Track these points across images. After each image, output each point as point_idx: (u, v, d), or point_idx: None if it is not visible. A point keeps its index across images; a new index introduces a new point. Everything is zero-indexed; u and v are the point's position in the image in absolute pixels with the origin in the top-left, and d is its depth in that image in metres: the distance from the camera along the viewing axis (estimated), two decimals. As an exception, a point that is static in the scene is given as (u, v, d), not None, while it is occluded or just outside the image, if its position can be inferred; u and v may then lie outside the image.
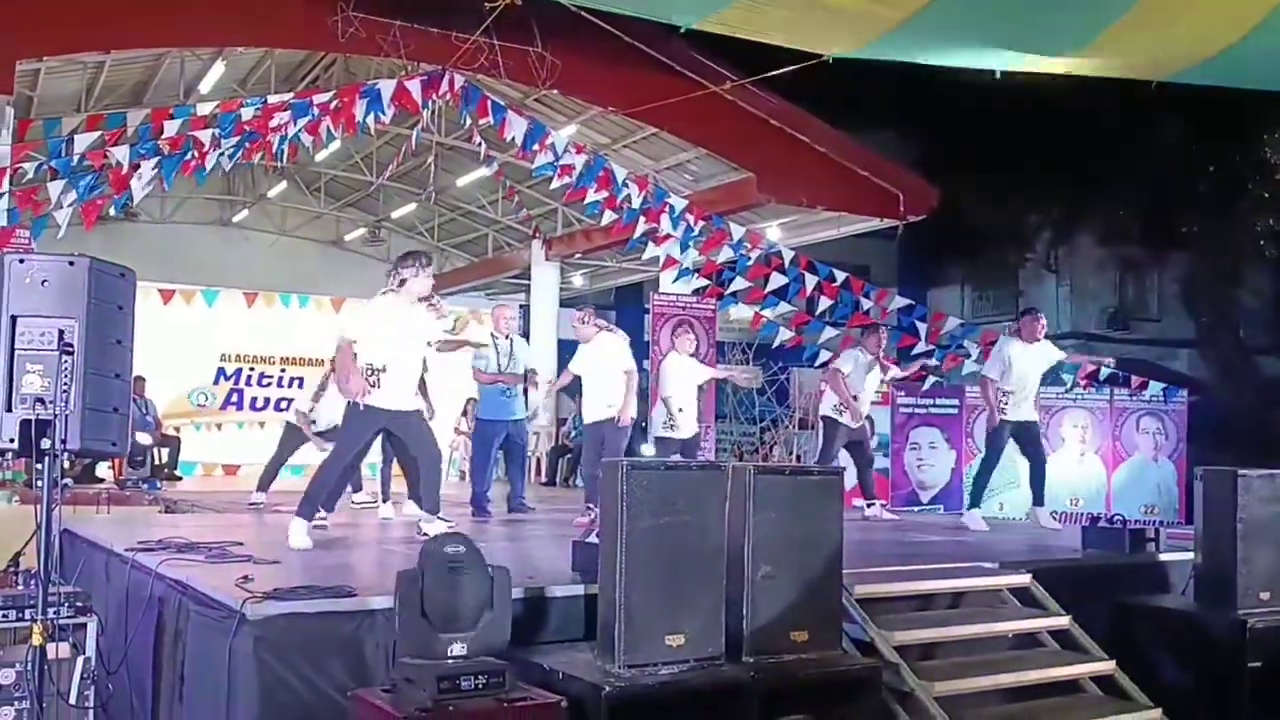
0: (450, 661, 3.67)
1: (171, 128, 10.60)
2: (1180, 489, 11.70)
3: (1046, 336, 8.86)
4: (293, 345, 16.91)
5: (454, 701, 3.57)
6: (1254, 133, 16.31)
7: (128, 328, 4.06)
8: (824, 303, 12.53)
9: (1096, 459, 12.21)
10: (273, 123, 10.57)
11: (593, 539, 4.77)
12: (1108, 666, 5.45)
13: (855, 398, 9.17)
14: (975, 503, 8.67)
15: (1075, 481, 11.95)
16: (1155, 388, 12.58)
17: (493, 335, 8.88)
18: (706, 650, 4.16)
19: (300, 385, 16.92)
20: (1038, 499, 8.66)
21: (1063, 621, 5.64)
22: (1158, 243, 19.68)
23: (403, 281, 6.39)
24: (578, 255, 18.74)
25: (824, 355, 12.03)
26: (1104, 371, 12.68)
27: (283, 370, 16.90)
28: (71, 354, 3.81)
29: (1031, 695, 5.24)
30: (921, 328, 12.50)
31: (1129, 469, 12.14)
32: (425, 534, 6.47)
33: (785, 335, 12.71)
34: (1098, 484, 12.02)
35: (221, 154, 10.37)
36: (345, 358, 6.21)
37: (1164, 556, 6.68)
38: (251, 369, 16.84)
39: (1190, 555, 6.14)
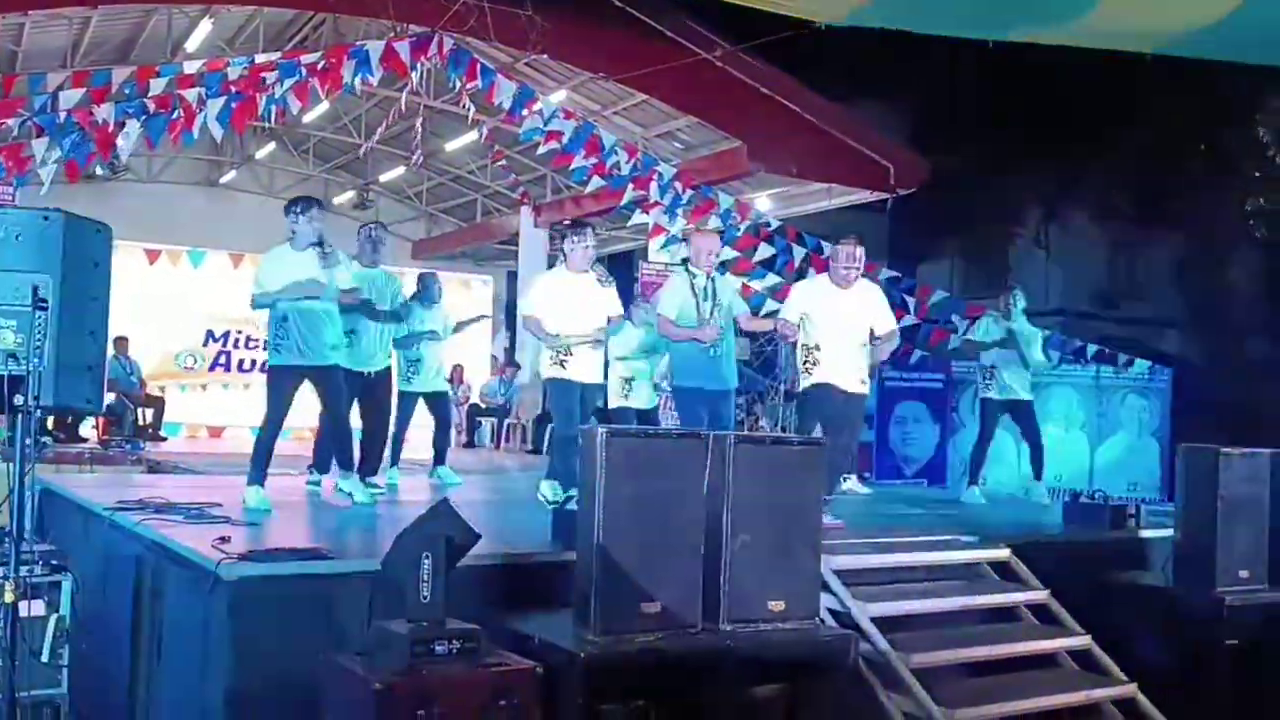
0: (425, 625, 3.65)
1: (157, 86, 10.46)
2: (1163, 467, 11.74)
3: (1035, 313, 8.94)
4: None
5: (427, 665, 3.56)
6: (1246, 112, 16.26)
7: (104, 284, 4.00)
8: (812, 274, 12.49)
9: (1081, 435, 12.25)
10: (260, 83, 10.45)
11: (572, 506, 4.76)
12: (1084, 641, 5.48)
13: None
14: (973, 479, 8.69)
15: (1059, 458, 11.98)
16: (1141, 366, 12.61)
17: (689, 270, 6.58)
18: (683, 618, 4.16)
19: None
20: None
21: (1041, 596, 5.67)
22: (1148, 221, 19.65)
23: (293, 231, 6.31)
24: (566, 222, 18.65)
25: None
26: (1090, 349, 12.70)
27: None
28: (45, 310, 3.76)
29: (1008, 668, 5.26)
30: (910, 301, 12.49)
31: (1113, 446, 12.18)
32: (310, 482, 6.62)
33: (773, 307, 12.68)
34: (1082, 460, 12.05)
35: (206, 115, 10.23)
36: None
37: (1144, 533, 6.71)
38: (238, 331, 16.76)
39: (1171, 533, 6.16)
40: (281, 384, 6.23)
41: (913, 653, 4.88)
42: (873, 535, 6.04)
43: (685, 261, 6.74)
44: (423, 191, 21.12)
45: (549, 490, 6.53)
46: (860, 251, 6.43)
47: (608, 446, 4.04)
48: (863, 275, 6.52)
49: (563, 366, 6.42)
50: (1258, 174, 16.72)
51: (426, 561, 3.66)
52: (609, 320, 6.55)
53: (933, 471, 12.14)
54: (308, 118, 16.74)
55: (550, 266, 15.74)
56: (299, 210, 6.34)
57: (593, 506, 4.04)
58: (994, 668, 5.22)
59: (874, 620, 4.92)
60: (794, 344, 6.57)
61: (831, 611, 4.91)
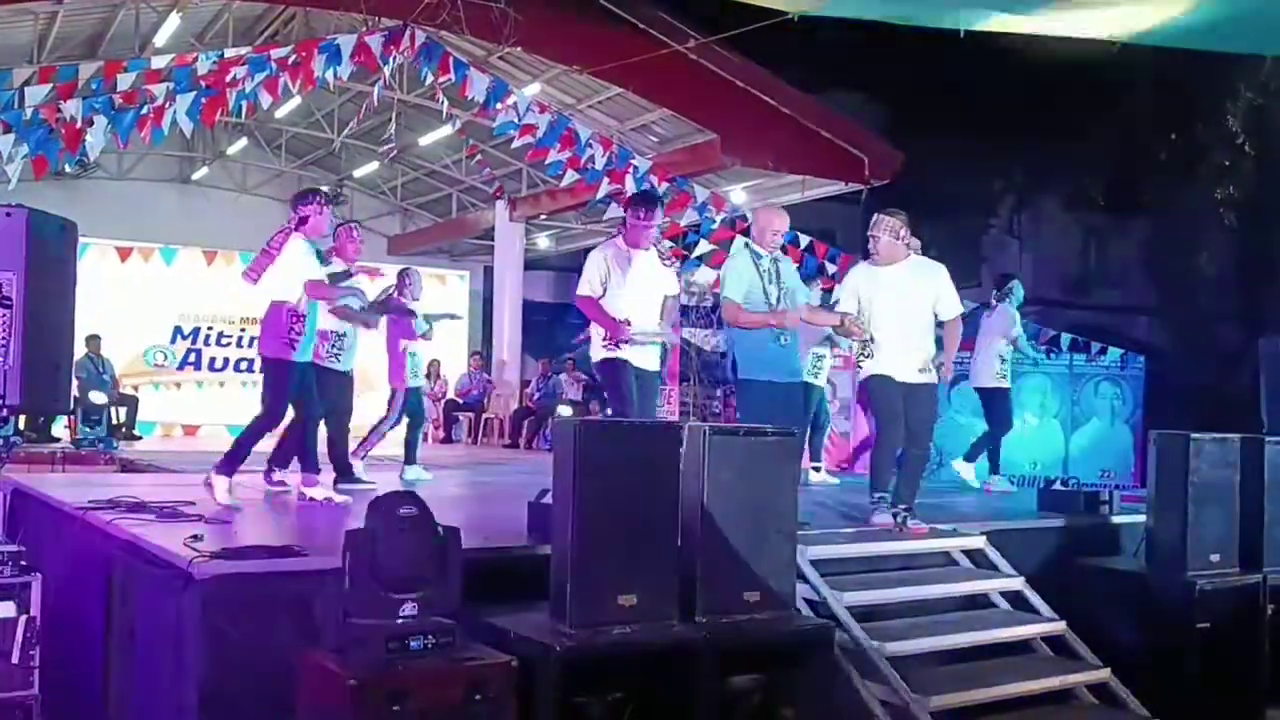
0: (399, 622, 3.63)
1: (125, 81, 10.37)
2: (1136, 453, 11.84)
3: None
4: (253, 304, 16.70)
5: (403, 661, 3.54)
6: (1216, 101, 16.38)
7: (69, 281, 3.97)
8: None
9: (1055, 423, 12.32)
10: (229, 77, 10.37)
11: (549, 499, 4.74)
12: (1058, 627, 5.51)
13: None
14: (972, 458, 8.78)
15: (1034, 446, 12.04)
16: (1114, 354, 12.71)
17: (748, 246, 6.02)
18: (659, 610, 4.14)
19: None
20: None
21: (1015, 583, 5.70)
22: (1120, 210, 19.80)
23: (304, 219, 6.12)
24: (542, 216, 18.61)
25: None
26: (1064, 337, 12.77)
27: (242, 330, 16.72)
28: (10, 308, 3.72)
29: (983, 655, 5.29)
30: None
31: (1086, 433, 12.26)
32: (304, 495, 6.43)
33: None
34: (1056, 448, 12.13)
35: (176, 110, 10.14)
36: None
37: (1117, 519, 6.75)
38: (210, 328, 16.66)
39: (1143, 518, 6.21)
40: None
41: (888, 641, 4.89)
42: (847, 525, 6.06)
43: (746, 241, 6.13)
44: (397, 187, 21.02)
45: None
46: (888, 221, 5.91)
47: (582, 438, 4.03)
48: (922, 255, 6.12)
49: (617, 345, 5.86)
50: (1227, 163, 16.85)
51: (348, 556, 3.65)
52: (665, 299, 6.06)
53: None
54: (280, 113, 16.63)
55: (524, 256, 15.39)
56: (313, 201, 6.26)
57: (567, 498, 4.03)
58: (969, 654, 5.25)
59: (850, 609, 4.93)
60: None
61: (808, 601, 4.92)
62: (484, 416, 16.17)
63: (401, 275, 8.46)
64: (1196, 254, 18.87)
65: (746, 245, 5.99)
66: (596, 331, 5.95)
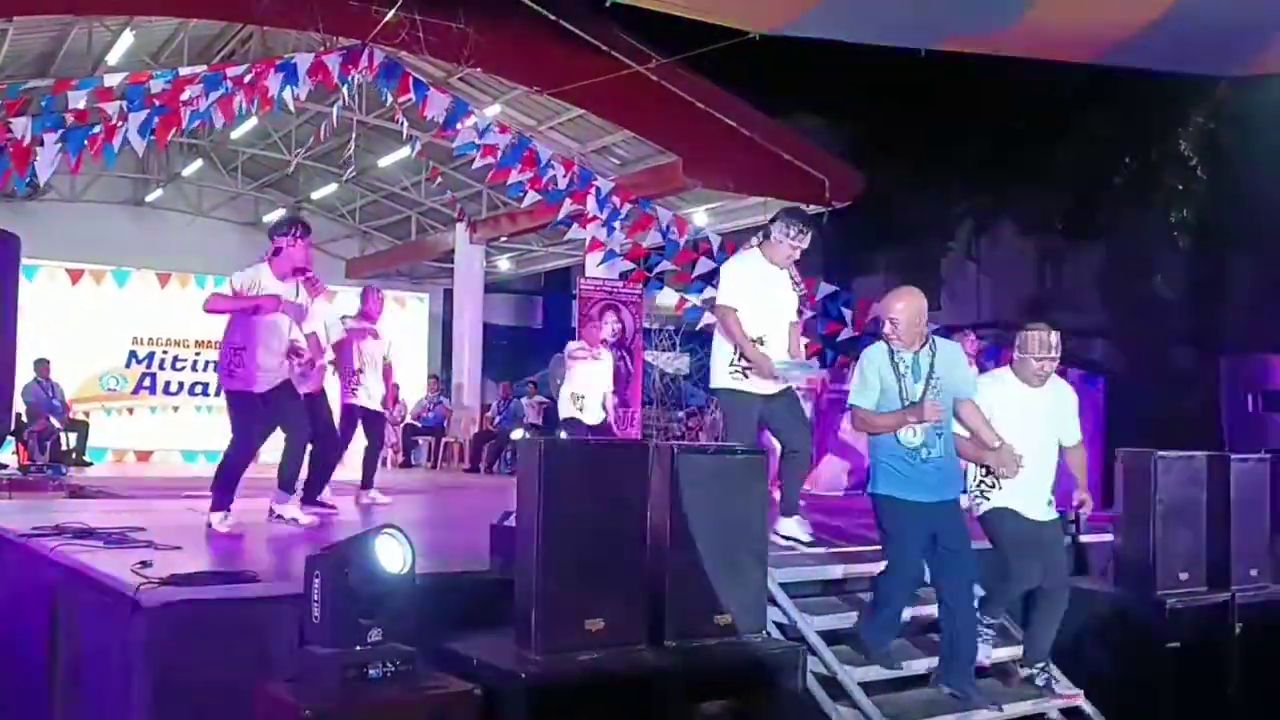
0: (357, 649, 3.49)
1: (76, 99, 10.18)
2: (1097, 474, 11.85)
3: (968, 325, 9.09)
4: (207, 328, 16.44)
5: (360, 691, 3.40)
6: (1169, 126, 16.60)
7: (8, 297, 3.81)
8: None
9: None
10: (183, 96, 10.21)
11: (511, 522, 4.62)
12: (1029, 650, 5.44)
13: None
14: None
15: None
16: (1073, 375, 12.76)
17: (887, 343, 4.89)
18: (626, 635, 4.04)
19: (215, 369, 16.51)
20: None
21: (985, 604, 5.62)
22: (1076, 233, 19.96)
23: (277, 250, 6.01)
24: (503, 239, 18.51)
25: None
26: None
27: (197, 354, 16.45)
28: (-54, 325, 3.56)
29: (954, 678, 5.20)
30: (848, 314, 12.54)
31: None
32: (279, 516, 6.31)
33: (711, 319, 12.66)
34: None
35: (128, 129, 9.95)
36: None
37: (1084, 539, 6.72)
38: (164, 352, 16.37)
39: (1109, 537, 6.18)
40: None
41: (859, 665, 4.83)
42: (818, 546, 5.97)
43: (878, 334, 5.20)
44: (356, 209, 20.84)
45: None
46: (1057, 338, 5.19)
47: (547, 458, 3.92)
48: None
49: (745, 375, 5.32)
50: (1181, 187, 17.07)
51: (316, 580, 3.50)
52: (790, 325, 5.53)
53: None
54: (236, 134, 16.47)
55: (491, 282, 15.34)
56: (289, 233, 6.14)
57: (532, 520, 3.91)
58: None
59: (821, 633, 4.85)
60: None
61: (778, 624, 4.82)
62: (444, 440, 15.98)
63: (365, 293, 8.32)
64: (1153, 276, 19.07)
65: (886, 338, 4.92)
66: (721, 352, 5.41)
